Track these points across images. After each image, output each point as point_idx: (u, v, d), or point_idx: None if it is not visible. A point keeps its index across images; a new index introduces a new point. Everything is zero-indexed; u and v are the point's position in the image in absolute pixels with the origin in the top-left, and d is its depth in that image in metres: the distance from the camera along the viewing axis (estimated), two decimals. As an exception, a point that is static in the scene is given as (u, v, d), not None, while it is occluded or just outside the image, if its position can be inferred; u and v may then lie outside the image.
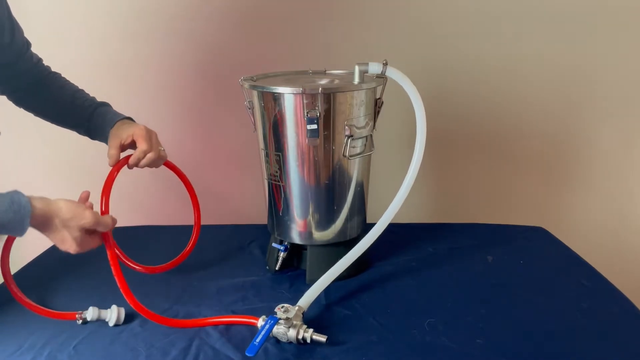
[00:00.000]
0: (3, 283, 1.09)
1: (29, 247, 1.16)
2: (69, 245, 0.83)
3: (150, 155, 0.98)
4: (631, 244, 1.63)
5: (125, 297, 0.88)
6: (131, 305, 0.89)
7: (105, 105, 1.08)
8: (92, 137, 1.07)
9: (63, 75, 1.10)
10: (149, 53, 1.46)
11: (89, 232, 0.85)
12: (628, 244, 1.63)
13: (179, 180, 1.11)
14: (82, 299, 1.00)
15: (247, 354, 0.80)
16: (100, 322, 0.93)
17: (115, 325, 0.93)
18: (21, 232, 0.79)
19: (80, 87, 1.10)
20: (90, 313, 0.93)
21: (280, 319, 0.86)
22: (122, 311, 0.94)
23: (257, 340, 0.82)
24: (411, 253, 1.19)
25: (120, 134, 0.99)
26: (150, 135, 0.99)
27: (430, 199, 1.58)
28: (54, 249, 1.19)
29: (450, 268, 1.13)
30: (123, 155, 0.99)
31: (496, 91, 1.50)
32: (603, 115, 1.52)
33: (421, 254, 1.19)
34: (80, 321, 0.94)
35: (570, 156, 1.57)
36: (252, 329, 0.89)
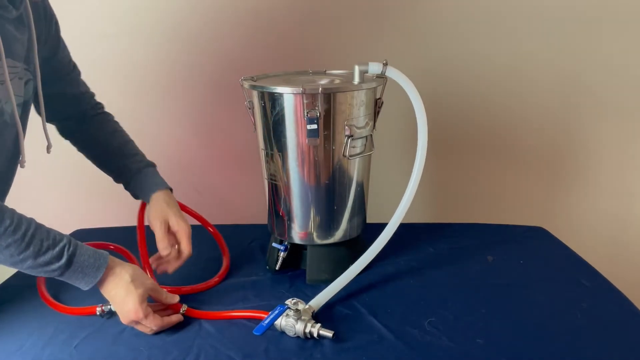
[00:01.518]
0: (3, 283, 1.10)
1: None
2: (131, 304, 0.85)
3: (186, 257, 1.01)
4: (631, 243, 1.63)
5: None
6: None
7: (151, 166, 1.09)
8: (127, 189, 1.09)
9: None
10: (148, 53, 1.46)
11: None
12: (628, 244, 1.63)
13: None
14: (85, 296, 1.00)
15: (254, 332, 0.85)
16: (101, 321, 0.93)
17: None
18: (94, 279, 0.85)
19: (130, 138, 1.11)
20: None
21: (290, 308, 0.88)
22: None
23: (266, 322, 0.86)
24: (411, 253, 1.19)
25: (164, 217, 1.01)
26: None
27: (430, 199, 1.58)
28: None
29: (451, 268, 1.13)
30: None
31: (496, 91, 1.50)
32: (603, 116, 1.52)
33: (421, 254, 1.19)
34: (102, 314, 0.94)
35: (571, 156, 1.57)
36: (253, 330, 0.89)
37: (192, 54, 1.46)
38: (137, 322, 0.87)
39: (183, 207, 1.10)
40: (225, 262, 1.12)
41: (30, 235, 0.79)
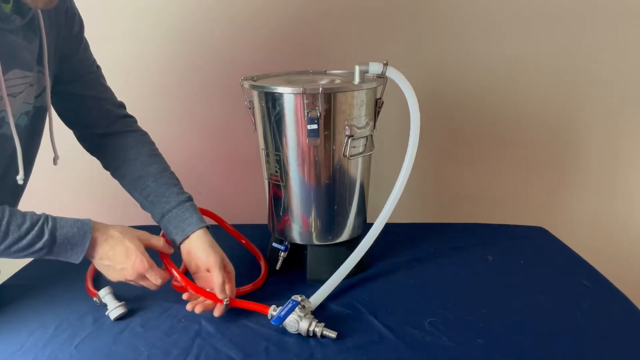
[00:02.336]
0: (3, 283, 1.10)
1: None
2: (134, 256, 0.85)
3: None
4: (631, 243, 1.63)
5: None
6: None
7: (191, 200, 1.00)
8: (157, 219, 0.99)
9: None
10: (149, 53, 1.46)
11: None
12: (628, 244, 1.63)
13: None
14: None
15: (272, 322, 0.87)
16: (101, 321, 0.93)
17: (117, 319, 0.93)
18: (83, 247, 0.83)
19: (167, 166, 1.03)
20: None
21: (299, 303, 0.88)
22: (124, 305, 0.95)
23: (283, 313, 0.86)
24: (411, 253, 1.19)
25: (222, 260, 0.93)
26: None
27: (430, 199, 1.58)
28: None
29: (451, 268, 1.13)
30: None
31: (497, 92, 1.50)
32: (603, 116, 1.52)
33: (421, 253, 1.19)
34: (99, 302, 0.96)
35: (571, 156, 1.57)
36: (253, 330, 0.90)
37: (192, 54, 1.46)
38: (143, 277, 0.87)
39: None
40: (263, 266, 1.11)
41: (6, 223, 0.78)
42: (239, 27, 1.44)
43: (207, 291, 0.91)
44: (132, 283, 0.90)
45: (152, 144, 1.05)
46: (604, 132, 1.54)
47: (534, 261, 1.15)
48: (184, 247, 0.95)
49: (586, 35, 1.43)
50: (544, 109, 1.51)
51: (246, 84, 1.02)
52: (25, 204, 0.93)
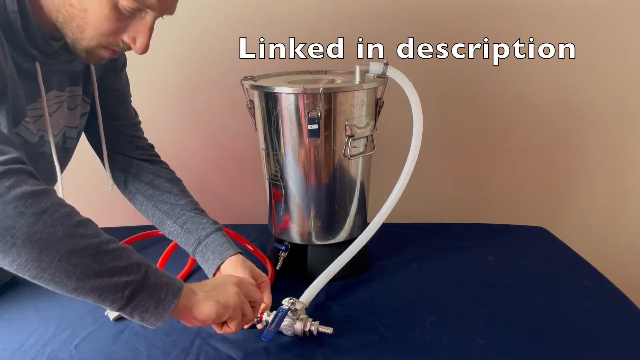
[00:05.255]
0: (3, 283, 1.10)
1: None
2: (230, 295, 0.75)
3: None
4: (631, 243, 1.63)
5: None
6: None
7: (221, 229, 0.98)
8: (190, 248, 0.98)
9: None
10: (148, 53, 1.46)
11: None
12: (628, 244, 1.63)
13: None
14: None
15: (262, 338, 0.82)
16: (101, 321, 0.93)
17: (117, 319, 0.93)
18: (174, 295, 0.68)
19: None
20: None
21: (290, 309, 0.87)
22: None
23: (272, 326, 0.83)
24: (411, 253, 1.20)
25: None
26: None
27: (430, 199, 1.58)
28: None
29: (451, 268, 1.13)
30: None
31: (497, 92, 1.50)
32: (603, 116, 1.52)
33: (421, 253, 1.19)
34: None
35: (571, 156, 1.57)
36: (253, 330, 0.90)
37: (192, 54, 1.46)
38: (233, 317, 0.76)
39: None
40: (270, 269, 1.11)
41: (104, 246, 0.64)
42: (240, 26, 1.44)
43: None
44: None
45: (175, 175, 1.07)
46: (604, 132, 1.54)
47: (534, 261, 1.15)
48: (224, 269, 0.93)
49: (587, 35, 1.43)
50: (544, 109, 1.51)
51: (246, 84, 1.02)
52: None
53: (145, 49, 0.79)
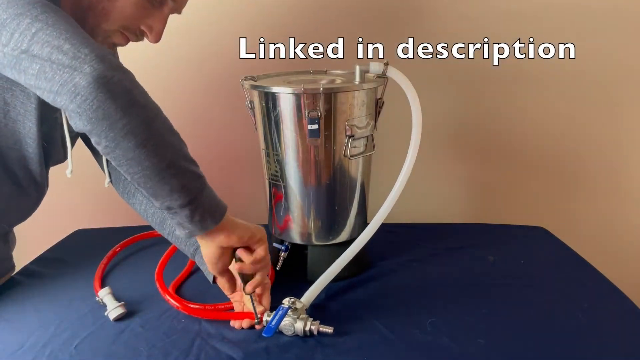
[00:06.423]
0: (3, 282, 1.10)
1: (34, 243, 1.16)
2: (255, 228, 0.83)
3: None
4: (631, 243, 1.63)
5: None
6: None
7: None
8: (190, 254, 1.01)
9: None
10: (148, 52, 1.46)
11: None
12: (628, 244, 1.63)
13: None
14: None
15: (264, 334, 0.83)
16: (101, 321, 0.93)
17: (117, 319, 0.93)
18: (224, 207, 0.79)
19: None
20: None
21: (291, 307, 0.87)
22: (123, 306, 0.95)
23: (273, 322, 0.85)
24: (412, 253, 1.20)
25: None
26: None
27: (430, 199, 1.58)
28: (57, 245, 1.19)
29: (451, 268, 1.13)
30: None
31: (497, 93, 1.50)
32: (603, 115, 1.52)
33: (421, 253, 1.19)
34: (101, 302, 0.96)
35: (571, 156, 1.57)
36: (253, 330, 0.90)
37: (192, 54, 1.46)
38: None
39: None
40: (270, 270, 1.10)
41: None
42: (240, 25, 1.44)
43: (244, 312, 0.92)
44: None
45: None
46: (604, 132, 1.54)
47: (534, 261, 1.15)
48: None
49: (588, 36, 1.43)
50: (544, 109, 1.51)
51: (246, 84, 1.02)
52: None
53: (159, 38, 0.86)
